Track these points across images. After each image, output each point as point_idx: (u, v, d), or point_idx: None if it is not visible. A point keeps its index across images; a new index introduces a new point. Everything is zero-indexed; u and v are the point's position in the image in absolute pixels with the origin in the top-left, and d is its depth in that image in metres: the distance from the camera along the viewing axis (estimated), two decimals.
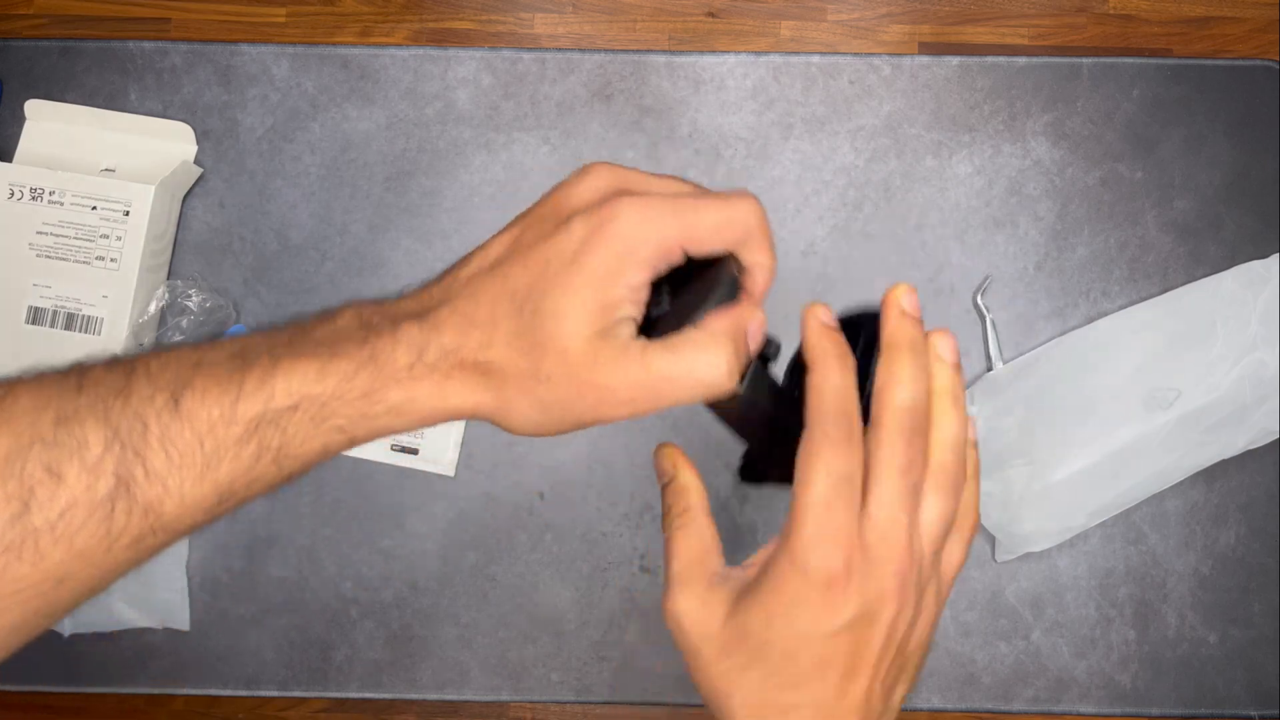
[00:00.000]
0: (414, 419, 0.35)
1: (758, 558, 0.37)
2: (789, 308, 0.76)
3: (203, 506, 0.34)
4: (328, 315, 0.36)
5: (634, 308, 0.34)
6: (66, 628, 0.71)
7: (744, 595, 0.36)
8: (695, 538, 0.38)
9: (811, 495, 0.34)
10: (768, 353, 0.39)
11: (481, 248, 0.36)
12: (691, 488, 0.39)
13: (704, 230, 0.34)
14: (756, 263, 0.37)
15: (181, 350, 0.35)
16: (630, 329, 0.34)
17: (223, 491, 0.34)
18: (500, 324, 0.34)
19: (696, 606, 0.37)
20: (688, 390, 0.34)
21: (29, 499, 0.32)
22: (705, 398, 0.35)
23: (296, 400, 0.34)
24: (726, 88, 0.77)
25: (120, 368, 0.34)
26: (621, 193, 0.34)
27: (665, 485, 0.39)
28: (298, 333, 0.35)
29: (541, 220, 0.35)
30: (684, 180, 0.37)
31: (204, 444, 0.33)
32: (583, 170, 0.36)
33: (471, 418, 0.35)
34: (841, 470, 0.34)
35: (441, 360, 0.34)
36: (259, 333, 0.35)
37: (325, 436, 0.34)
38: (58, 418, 0.32)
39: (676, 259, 0.35)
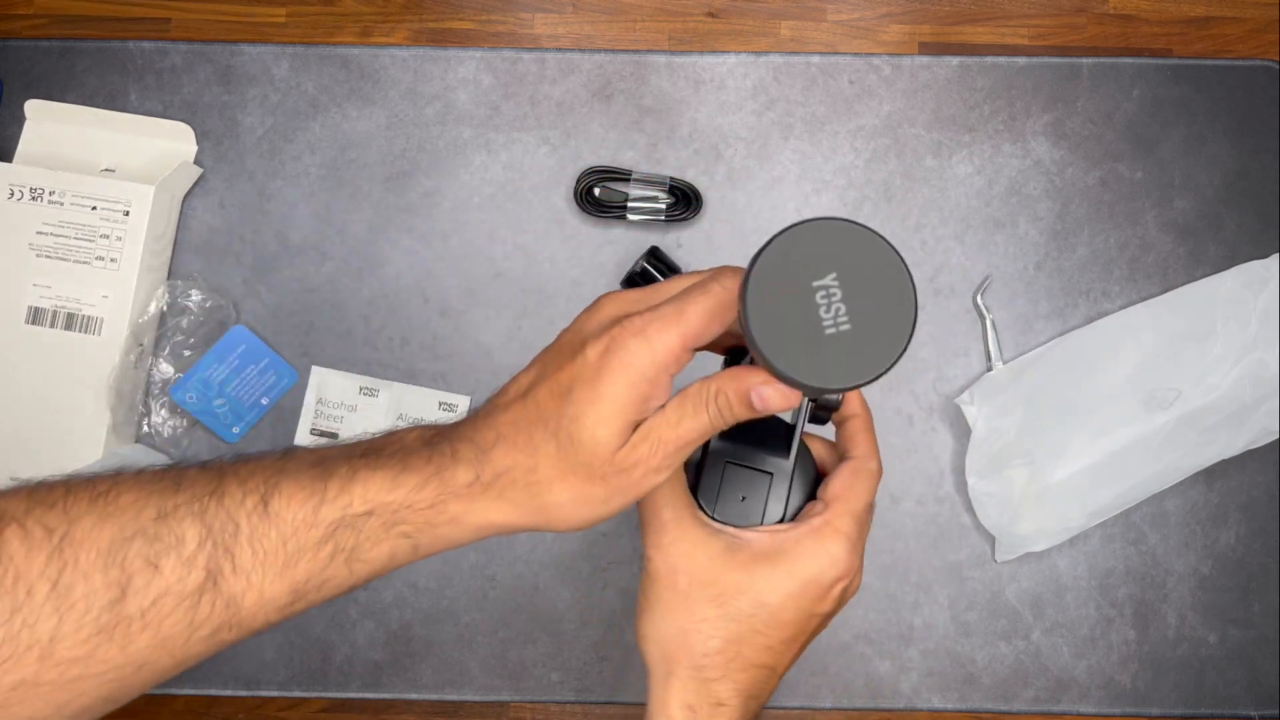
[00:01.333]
0: (471, 531, 0.39)
1: (749, 531, 0.42)
2: None
3: (277, 604, 0.37)
4: (396, 434, 0.40)
5: (659, 402, 0.38)
6: None
7: (755, 559, 0.41)
8: (682, 489, 0.42)
9: (862, 510, 0.43)
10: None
11: (514, 380, 0.40)
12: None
13: (699, 325, 0.37)
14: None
15: (265, 459, 0.39)
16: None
17: (298, 590, 0.38)
18: (540, 449, 0.37)
19: (692, 549, 0.41)
20: (683, 451, 0.38)
21: (127, 586, 0.35)
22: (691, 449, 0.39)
23: (372, 507, 0.37)
24: (726, 88, 0.77)
25: (212, 471, 0.38)
26: (624, 317, 0.37)
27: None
28: (370, 448, 0.39)
29: (559, 352, 0.39)
30: (689, 276, 0.40)
31: (287, 544, 0.37)
32: (593, 304, 0.40)
33: (521, 531, 0.39)
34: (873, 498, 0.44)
35: (495, 481, 0.38)
36: (335, 446, 0.40)
37: (393, 542, 0.38)
38: (159, 514, 0.36)
39: (688, 358, 0.38)
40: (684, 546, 0.41)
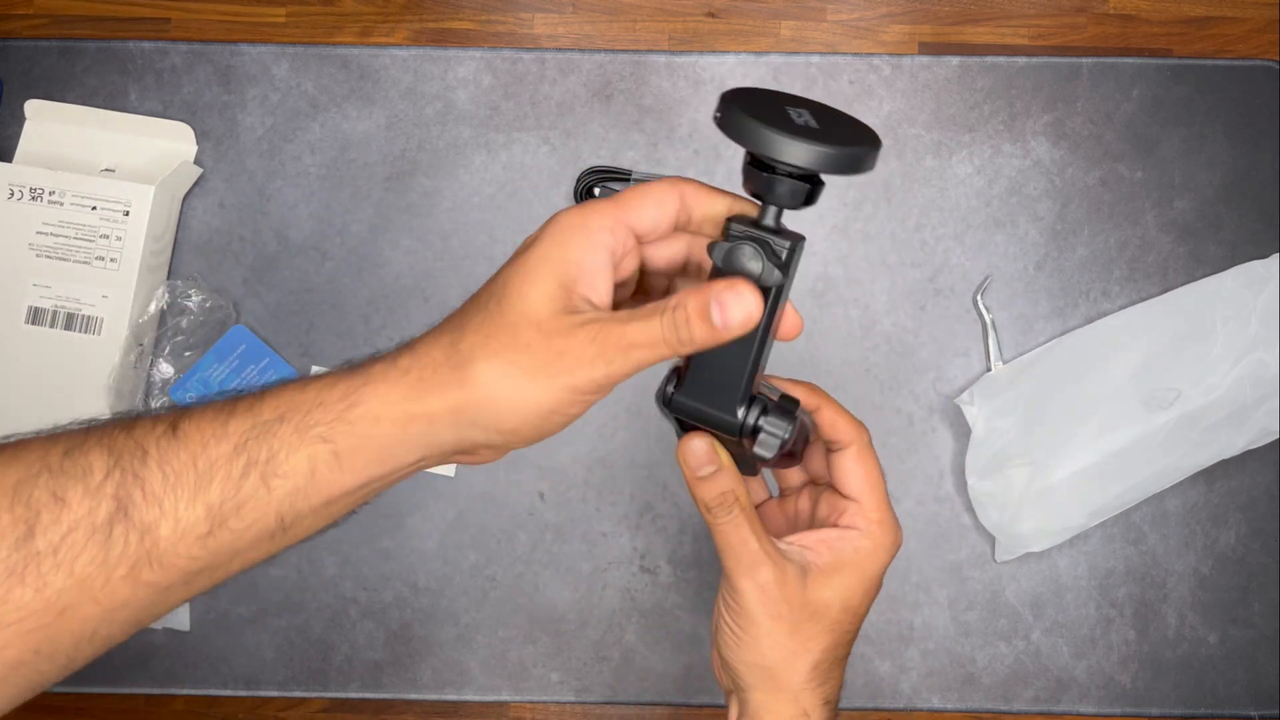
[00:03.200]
0: (394, 428, 0.35)
1: (806, 539, 0.43)
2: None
3: (196, 532, 0.35)
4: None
5: (593, 290, 0.36)
6: None
7: (819, 573, 0.42)
8: (753, 521, 0.42)
9: (883, 482, 0.44)
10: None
11: None
12: (735, 474, 0.41)
13: (637, 205, 0.36)
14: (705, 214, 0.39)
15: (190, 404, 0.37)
16: (590, 307, 0.36)
17: (214, 512, 0.35)
18: (468, 323, 0.36)
19: (783, 577, 0.41)
20: (629, 355, 0.35)
21: (34, 523, 0.33)
22: (645, 364, 0.36)
23: (282, 411, 0.35)
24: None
25: (124, 414, 0.36)
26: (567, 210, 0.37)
27: (712, 473, 0.41)
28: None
29: (508, 264, 0.37)
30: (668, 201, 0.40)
31: (197, 462, 0.35)
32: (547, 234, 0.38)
33: (450, 440, 0.36)
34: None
35: (415, 365, 0.36)
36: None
37: (310, 447, 0.35)
38: (66, 450, 0.34)
39: (628, 240, 0.37)
40: (777, 575, 0.41)
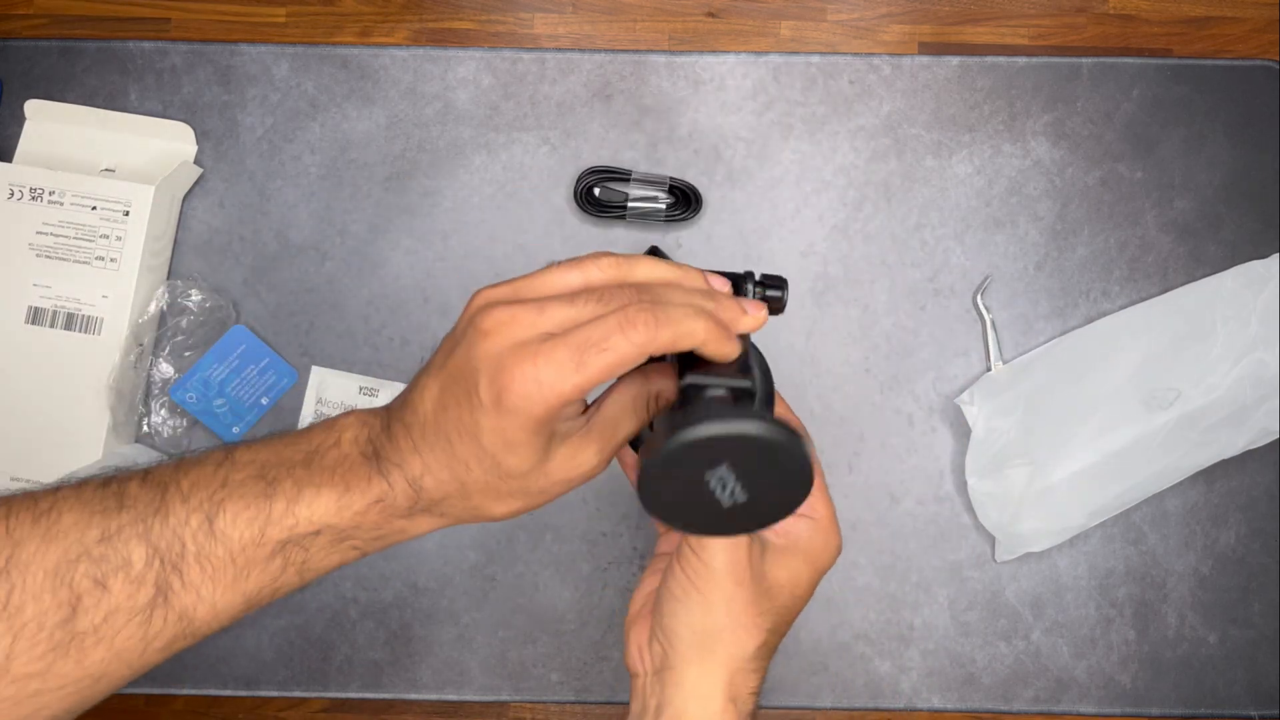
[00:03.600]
0: (413, 536, 0.41)
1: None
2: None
3: (230, 613, 0.39)
4: (334, 430, 0.40)
5: (570, 413, 0.38)
6: None
7: (777, 552, 0.43)
8: None
9: (833, 507, 0.46)
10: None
11: (420, 388, 0.39)
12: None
13: (597, 378, 0.35)
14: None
15: (205, 466, 0.39)
16: (572, 419, 0.39)
17: (250, 599, 0.39)
18: (469, 481, 0.38)
19: (736, 549, 0.42)
20: (585, 477, 0.40)
21: (76, 605, 0.36)
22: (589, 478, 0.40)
23: (319, 528, 0.38)
24: (726, 88, 0.77)
25: (154, 487, 0.38)
26: (516, 352, 0.35)
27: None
28: (311, 453, 0.39)
29: (455, 379, 0.37)
30: (556, 267, 0.39)
31: (235, 560, 0.38)
32: (470, 309, 0.38)
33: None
34: None
35: (434, 507, 0.39)
36: (273, 444, 0.40)
37: (343, 554, 0.40)
38: (102, 535, 0.37)
39: (581, 396, 0.36)
40: (748, 541, 0.42)
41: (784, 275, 0.43)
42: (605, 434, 0.39)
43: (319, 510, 0.38)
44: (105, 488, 0.38)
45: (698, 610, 0.42)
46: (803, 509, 0.45)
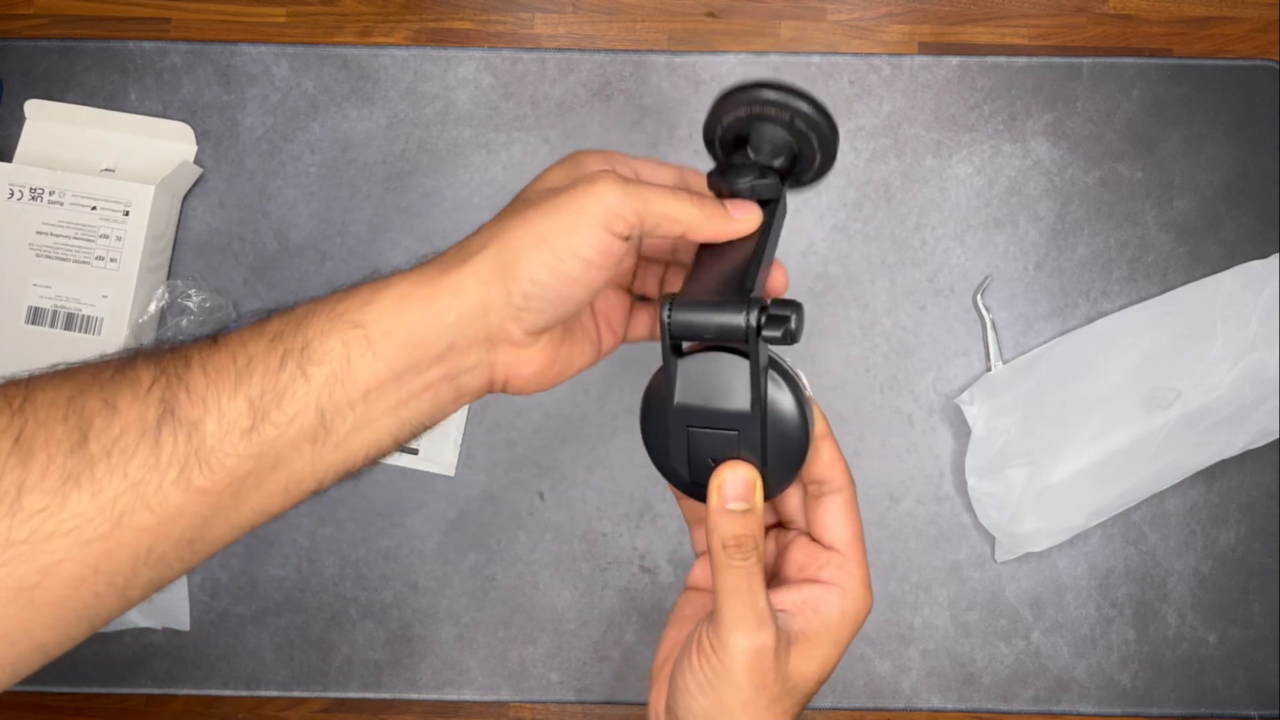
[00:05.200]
0: (419, 303, 0.38)
1: (788, 601, 0.40)
2: None
3: (239, 427, 0.35)
4: None
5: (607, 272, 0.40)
6: None
7: (805, 644, 0.39)
8: (761, 577, 0.39)
9: (867, 565, 0.41)
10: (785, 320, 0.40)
11: None
12: (762, 520, 0.39)
13: (657, 220, 0.39)
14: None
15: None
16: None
17: (255, 406, 0.36)
18: (509, 218, 0.39)
19: (770, 649, 0.38)
20: (652, 206, 0.40)
21: (87, 430, 0.34)
22: (663, 224, 0.40)
23: (313, 307, 0.37)
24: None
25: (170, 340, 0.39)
26: (608, 171, 0.40)
27: (745, 510, 0.39)
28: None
29: (534, 186, 0.41)
30: (669, 166, 0.44)
31: (236, 358, 0.36)
32: (574, 156, 0.42)
33: (479, 307, 0.38)
34: None
35: (438, 258, 0.39)
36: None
37: (342, 332, 0.37)
38: (116, 367, 0.36)
39: (636, 230, 0.39)
40: (774, 642, 0.38)
41: (798, 300, 0.39)
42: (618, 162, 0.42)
43: (315, 299, 0.38)
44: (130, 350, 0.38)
45: (714, 710, 0.39)
46: (834, 576, 0.41)
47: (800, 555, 0.42)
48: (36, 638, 0.34)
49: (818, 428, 0.41)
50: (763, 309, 0.37)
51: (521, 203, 0.40)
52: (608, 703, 0.72)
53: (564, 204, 0.38)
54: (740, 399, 0.39)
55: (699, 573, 0.45)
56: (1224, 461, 0.72)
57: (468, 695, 0.72)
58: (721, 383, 0.39)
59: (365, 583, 0.73)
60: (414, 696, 0.72)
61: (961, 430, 0.73)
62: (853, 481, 0.42)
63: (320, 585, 0.73)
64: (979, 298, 0.75)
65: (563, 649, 0.72)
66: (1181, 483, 0.73)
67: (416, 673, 0.72)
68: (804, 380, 0.40)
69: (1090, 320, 0.75)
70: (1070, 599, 0.73)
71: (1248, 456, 0.73)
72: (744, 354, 0.38)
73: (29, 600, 0.33)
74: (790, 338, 0.37)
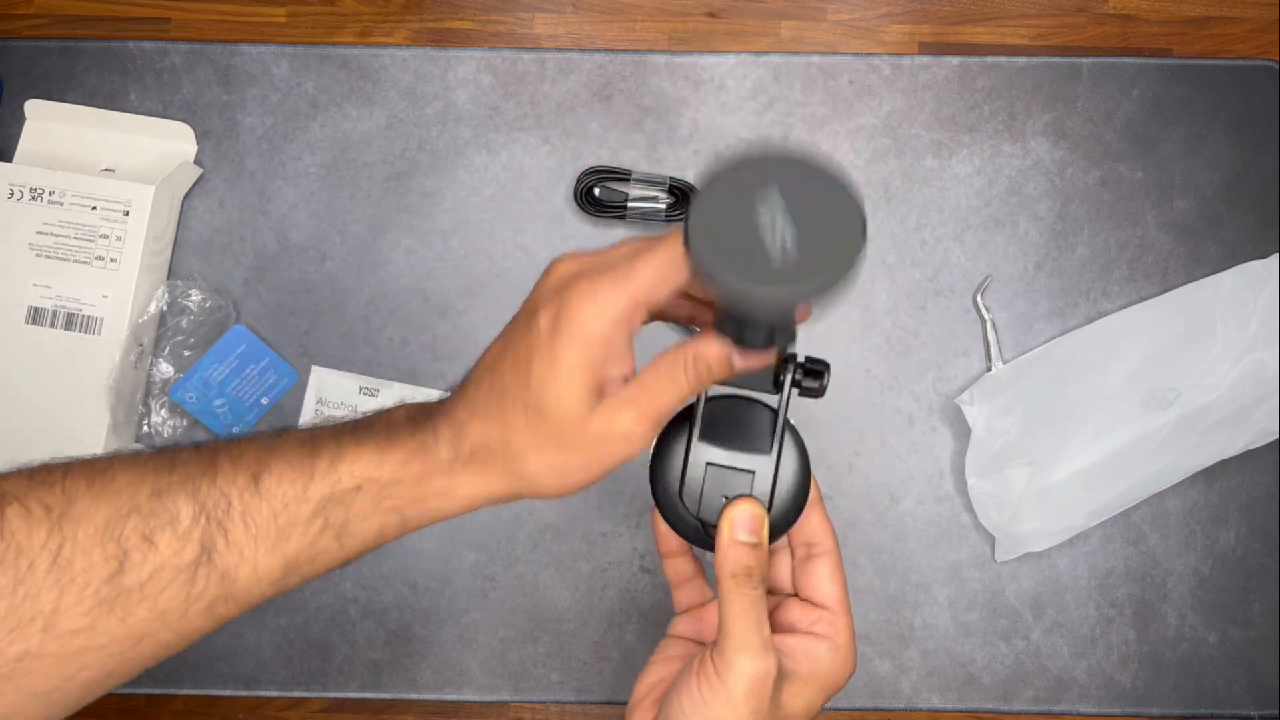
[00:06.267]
0: (458, 503, 0.40)
1: (784, 644, 0.42)
2: None
3: (271, 578, 0.39)
4: (385, 412, 0.42)
5: (620, 365, 0.38)
6: None
7: (797, 682, 0.41)
8: (765, 608, 0.40)
9: (853, 625, 0.43)
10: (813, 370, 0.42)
11: (485, 352, 0.41)
12: (766, 557, 0.41)
13: (649, 282, 0.37)
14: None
15: (257, 438, 0.40)
16: (621, 380, 0.39)
17: (290, 564, 0.39)
18: (511, 422, 0.38)
19: (771, 676, 0.39)
20: (662, 413, 0.39)
21: (124, 561, 0.36)
22: (672, 410, 0.39)
23: (360, 482, 0.39)
24: (726, 88, 0.77)
25: (206, 452, 0.39)
26: (575, 278, 0.37)
27: (750, 544, 0.41)
28: (359, 425, 0.41)
29: (518, 322, 0.40)
30: (637, 241, 0.40)
31: (278, 519, 0.38)
32: (548, 267, 0.40)
33: (510, 499, 0.41)
34: None
35: (474, 456, 0.39)
36: (327, 425, 0.41)
37: (382, 517, 0.40)
38: (153, 492, 0.37)
39: (642, 317, 0.38)
40: (771, 668, 0.40)
41: (827, 360, 0.41)
42: (643, 397, 0.38)
43: (360, 464, 0.39)
44: (159, 453, 0.39)
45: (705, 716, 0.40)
46: (827, 630, 0.43)
47: (791, 614, 0.44)
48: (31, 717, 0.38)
49: (811, 493, 0.44)
50: (798, 364, 0.41)
51: (538, 415, 0.38)
52: (608, 703, 0.72)
53: (590, 442, 0.38)
54: (759, 444, 0.42)
55: (682, 625, 0.47)
56: (1224, 461, 0.72)
57: (468, 695, 0.72)
58: (743, 428, 0.43)
59: (365, 583, 0.73)
60: (414, 696, 0.72)
61: (961, 430, 0.73)
62: (838, 545, 0.44)
63: (320, 585, 0.73)
64: (979, 298, 0.75)
65: (563, 649, 0.72)
66: (1181, 483, 0.73)
67: (416, 673, 0.72)
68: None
69: (1090, 320, 0.75)
70: (1070, 599, 0.73)
71: (1248, 456, 0.73)
72: (762, 403, 0.42)
73: (45, 700, 0.37)
74: (821, 393, 0.41)
